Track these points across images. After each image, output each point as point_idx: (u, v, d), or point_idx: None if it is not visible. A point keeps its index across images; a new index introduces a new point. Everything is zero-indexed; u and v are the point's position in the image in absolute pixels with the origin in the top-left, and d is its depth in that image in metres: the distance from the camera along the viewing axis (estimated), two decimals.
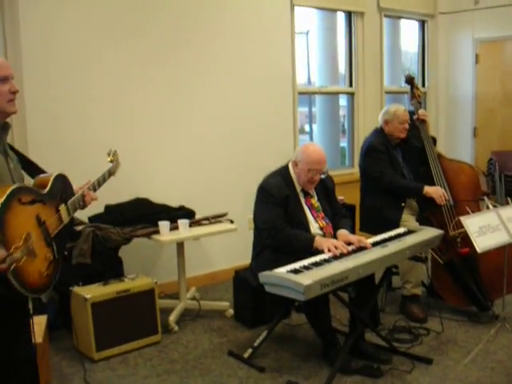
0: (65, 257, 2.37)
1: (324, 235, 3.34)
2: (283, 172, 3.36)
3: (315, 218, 3.35)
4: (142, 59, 4.39)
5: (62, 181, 2.42)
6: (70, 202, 2.43)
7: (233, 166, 5.06)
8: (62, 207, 2.38)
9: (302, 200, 3.35)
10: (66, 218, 2.37)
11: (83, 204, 2.50)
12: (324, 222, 3.38)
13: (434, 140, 4.30)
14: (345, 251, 3.03)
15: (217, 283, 5.02)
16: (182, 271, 4.14)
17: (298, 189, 3.35)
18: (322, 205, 3.45)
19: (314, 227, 3.35)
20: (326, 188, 3.51)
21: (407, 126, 4.09)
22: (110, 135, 4.26)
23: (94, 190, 2.58)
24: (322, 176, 3.34)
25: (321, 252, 3.09)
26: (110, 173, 2.75)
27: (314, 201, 3.41)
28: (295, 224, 3.25)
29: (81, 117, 4.15)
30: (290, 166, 3.37)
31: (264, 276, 2.80)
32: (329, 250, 3.06)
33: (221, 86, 4.89)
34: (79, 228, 3.85)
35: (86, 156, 4.11)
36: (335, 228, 3.40)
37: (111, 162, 2.80)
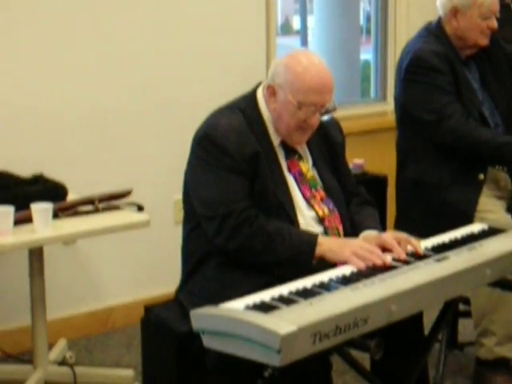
0: None
1: (326, 232, 2.53)
2: (246, 106, 2.53)
3: (307, 200, 2.52)
4: None
5: None
6: None
7: (145, 101, 3.97)
8: None
9: (283, 164, 2.52)
10: None
11: None
12: (326, 209, 2.53)
13: None
14: (386, 261, 2.32)
15: (110, 331, 4.01)
16: (40, 308, 3.22)
17: (275, 141, 2.52)
18: (322, 175, 2.61)
19: (306, 217, 2.49)
20: (328, 143, 2.70)
21: (495, 22, 3.18)
22: None
23: None
24: (325, 117, 2.54)
25: (327, 267, 2.36)
26: None
27: (306, 167, 2.56)
28: (268, 210, 2.44)
29: None
30: (260, 95, 2.54)
31: (200, 316, 2.05)
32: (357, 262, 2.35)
33: None
34: None
35: None
36: (351, 225, 2.62)
37: None
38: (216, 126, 2.48)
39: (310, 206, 2.54)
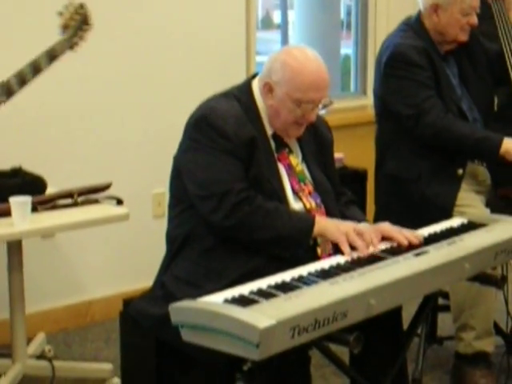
0: None
1: None
2: (241, 95, 2.53)
3: (296, 192, 2.55)
4: None
5: None
6: None
7: (124, 95, 3.99)
8: None
9: (274, 154, 2.55)
10: None
11: None
12: (313, 202, 2.56)
13: None
14: (375, 248, 2.37)
15: (89, 325, 4.04)
16: (19, 302, 3.22)
17: (268, 131, 2.52)
18: (311, 171, 2.63)
19: (294, 208, 2.55)
20: (318, 141, 2.69)
21: (475, 18, 3.19)
22: None
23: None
24: (322, 111, 2.53)
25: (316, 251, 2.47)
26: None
27: (295, 161, 2.58)
28: (261, 196, 2.46)
29: None
30: (256, 86, 2.54)
31: (179, 310, 2.06)
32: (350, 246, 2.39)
33: None
34: None
35: None
36: (342, 219, 2.62)
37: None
38: (214, 109, 2.47)
39: (298, 198, 2.54)
